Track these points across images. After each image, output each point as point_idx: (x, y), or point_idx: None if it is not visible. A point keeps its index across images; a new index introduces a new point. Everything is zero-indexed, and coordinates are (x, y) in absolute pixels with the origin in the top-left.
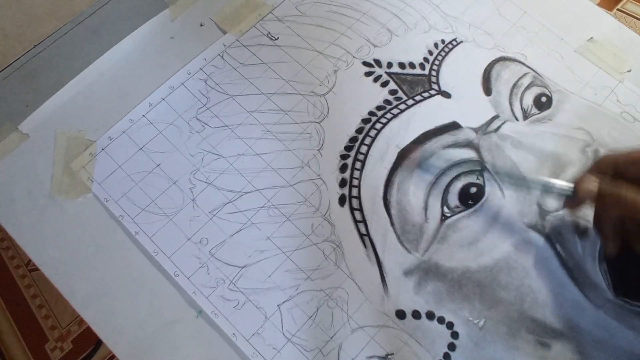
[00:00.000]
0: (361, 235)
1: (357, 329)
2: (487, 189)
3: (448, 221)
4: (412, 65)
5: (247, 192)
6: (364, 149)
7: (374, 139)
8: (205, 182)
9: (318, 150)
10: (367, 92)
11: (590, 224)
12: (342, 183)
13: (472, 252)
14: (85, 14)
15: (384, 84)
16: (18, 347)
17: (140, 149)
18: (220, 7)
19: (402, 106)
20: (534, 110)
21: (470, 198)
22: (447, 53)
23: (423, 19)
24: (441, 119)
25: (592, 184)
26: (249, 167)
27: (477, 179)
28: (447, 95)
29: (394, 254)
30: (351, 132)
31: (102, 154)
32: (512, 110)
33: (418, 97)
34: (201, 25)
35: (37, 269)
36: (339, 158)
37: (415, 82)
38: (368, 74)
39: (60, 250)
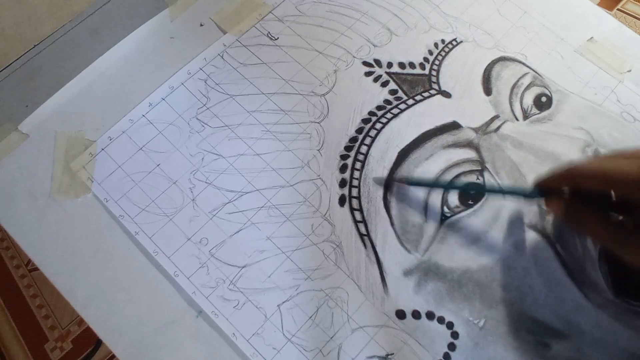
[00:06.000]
0: (361, 236)
1: (357, 329)
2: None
3: (448, 221)
4: (412, 65)
5: (247, 192)
6: (364, 149)
7: (374, 139)
8: (205, 182)
9: (318, 150)
10: (367, 92)
11: None
12: (342, 183)
13: (472, 252)
14: (85, 14)
15: (384, 84)
16: (18, 347)
17: (140, 149)
18: (220, 7)
19: (402, 106)
20: (534, 110)
21: (470, 198)
22: (447, 53)
23: (423, 19)
24: (441, 119)
25: (558, 206)
26: (249, 167)
27: (477, 179)
28: (447, 95)
29: (394, 254)
30: (351, 132)
31: (102, 154)
32: (512, 110)
33: (418, 97)
34: (201, 25)
35: (37, 269)
36: (339, 158)
37: (415, 82)
38: (368, 73)
39: (60, 250)
